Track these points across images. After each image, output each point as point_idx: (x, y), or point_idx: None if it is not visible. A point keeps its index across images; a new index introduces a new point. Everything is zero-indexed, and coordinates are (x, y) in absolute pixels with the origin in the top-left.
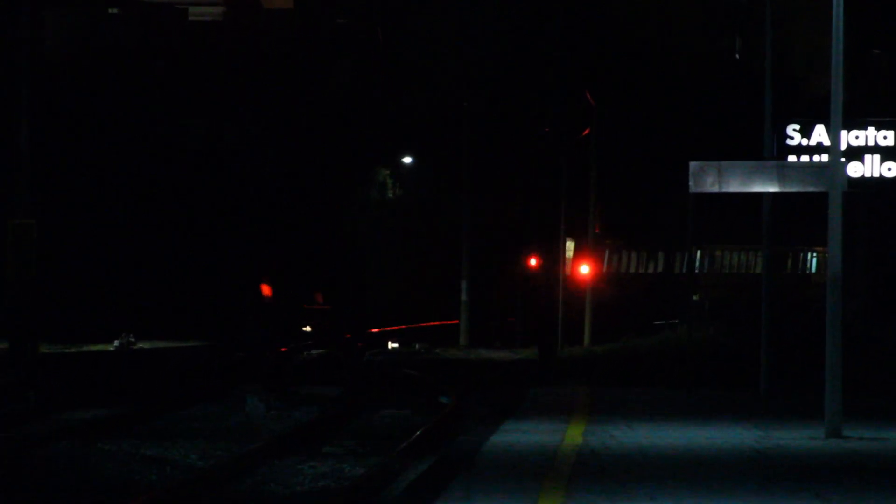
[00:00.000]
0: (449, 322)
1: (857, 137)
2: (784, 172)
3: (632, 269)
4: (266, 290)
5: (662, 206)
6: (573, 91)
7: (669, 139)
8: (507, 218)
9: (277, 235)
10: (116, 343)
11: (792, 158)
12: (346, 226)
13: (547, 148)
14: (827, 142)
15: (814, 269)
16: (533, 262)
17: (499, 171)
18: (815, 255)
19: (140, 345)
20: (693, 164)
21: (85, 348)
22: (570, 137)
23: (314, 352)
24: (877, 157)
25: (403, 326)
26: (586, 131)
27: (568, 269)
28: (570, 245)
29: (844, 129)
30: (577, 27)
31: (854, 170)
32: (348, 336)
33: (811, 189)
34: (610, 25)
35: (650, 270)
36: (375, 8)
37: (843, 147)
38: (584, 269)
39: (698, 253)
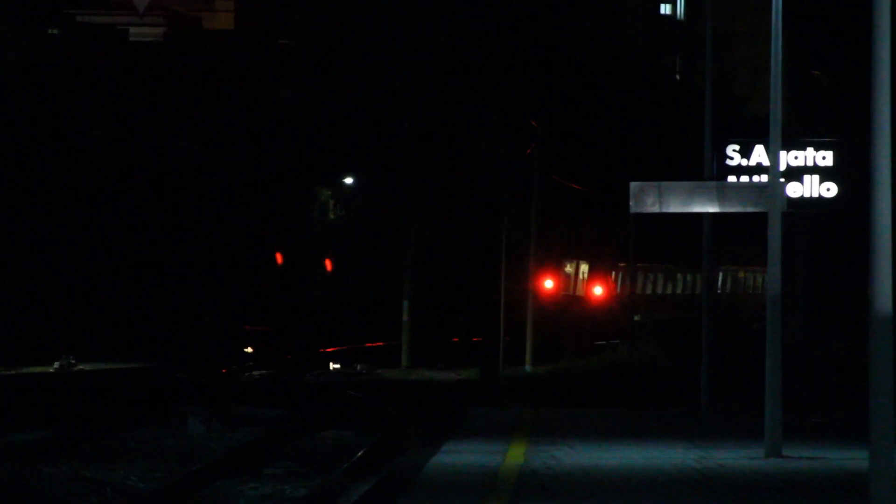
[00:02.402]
0: (391, 342)
1: (796, 158)
2: (724, 193)
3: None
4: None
5: (610, 223)
6: (517, 110)
7: (614, 157)
8: (452, 237)
9: (221, 256)
10: (56, 365)
11: (732, 179)
12: (288, 246)
13: (490, 166)
14: (766, 162)
15: None
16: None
17: (443, 190)
18: None
19: (81, 366)
20: (633, 185)
21: (24, 370)
22: (513, 157)
23: (256, 373)
24: (816, 177)
25: (345, 347)
26: (529, 150)
27: (581, 291)
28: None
29: (784, 149)
30: (523, 45)
31: (793, 190)
32: (289, 357)
33: (751, 209)
34: (555, 44)
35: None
36: (317, 28)
37: (783, 167)
38: (598, 291)
39: (720, 275)
